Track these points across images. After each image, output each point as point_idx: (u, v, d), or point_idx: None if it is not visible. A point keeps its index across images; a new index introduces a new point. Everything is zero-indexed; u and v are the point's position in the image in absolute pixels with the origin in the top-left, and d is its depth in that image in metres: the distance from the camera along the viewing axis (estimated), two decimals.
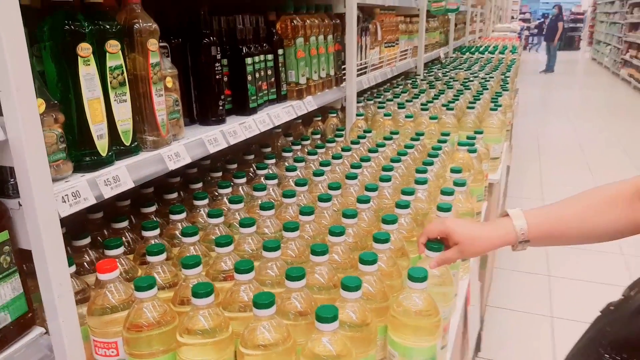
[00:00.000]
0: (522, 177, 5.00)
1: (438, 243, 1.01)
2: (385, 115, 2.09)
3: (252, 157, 1.63)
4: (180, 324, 0.82)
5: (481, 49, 5.53)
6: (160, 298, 0.85)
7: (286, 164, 1.59)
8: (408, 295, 0.89)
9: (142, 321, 0.82)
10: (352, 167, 1.48)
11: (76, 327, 0.80)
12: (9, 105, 0.71)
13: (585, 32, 20.13)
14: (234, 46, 1.45)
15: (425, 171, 1.45)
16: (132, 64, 1.04)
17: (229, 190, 1.30)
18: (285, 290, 0.85)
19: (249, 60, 1.46)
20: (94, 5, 0.95)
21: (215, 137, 1.25)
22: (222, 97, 1.37)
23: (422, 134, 1.87)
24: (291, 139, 1.87)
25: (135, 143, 1.05)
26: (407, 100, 2.42)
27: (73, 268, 0.91)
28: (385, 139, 1.83)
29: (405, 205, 1.19)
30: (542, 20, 14.01)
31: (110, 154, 0.96)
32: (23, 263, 0.79)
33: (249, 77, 1.47)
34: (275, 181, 1.40)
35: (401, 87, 2.98)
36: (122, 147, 1.00)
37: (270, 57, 1.61)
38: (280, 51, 1.68)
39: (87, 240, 1.01)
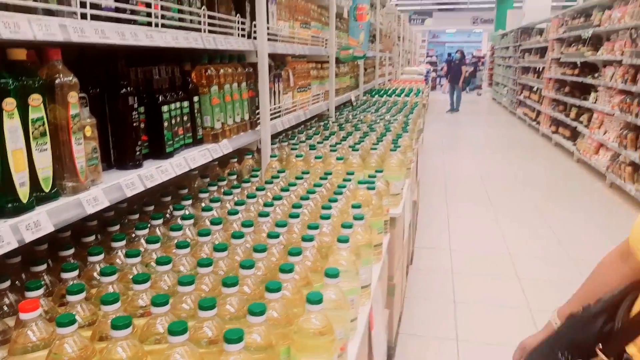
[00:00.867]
0: (430, 210, 5.37)
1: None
2: (297, 156, 2.25)
3: (169, 198, 1.71)
4: (101, 358, 0.89)
5: (389, 92, 5.95)
6: (80, 334, 0.91)
7: (203, 204, 1.69)
8: (307, 317, 1.02)
9: (63, 357, 0.88)
10: (265, 205, 1.61)
11: None
12: None
13: (485, 74, 21.96)
14: (150, 95, 1.56)
15: (329, 207, 1.61)
16: (53, 115, 1.11)
17: (145, 231, 1.37)
18: (198, 320, 0.95)
19: (165, 107, 1.57)
20: (17, 62, 1.03)
21: (132, 181, 1.33)
22: (139, 142, 1.46)
23: (330, 174, 2.05)
24: (208, 180, 1.97)
25: (55, 189, 1.11)
26: (318, 142, 2.60)
27: None
28: (297, 178, 1.98)
29: (310, 239, 1.33)
30: (446, 62, 15.13)
31: (31, 200, 1.02)
32: None
33: (165, 124, 1.58)
34: (191, 221, 1.49)
35: (314, 129, 3.18)
36: (42, 194, 1.07)
37: (186, 104, 1.73)
38: (195, 98, 1.81)
39: (7, 284, 1.05)
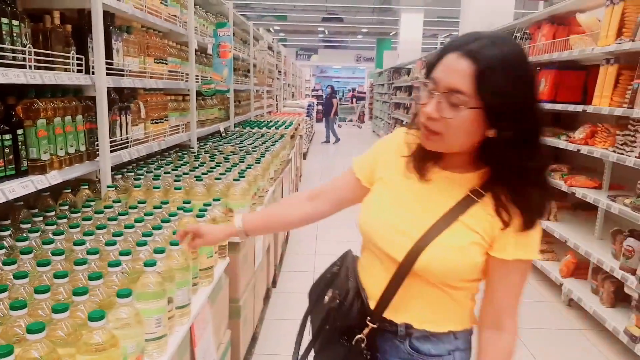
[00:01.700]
0: (302, 235, 5.61)
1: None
2: (135, 186, 2.33)
3: None
4: None
5: (263, 124, 6.19)
6: None
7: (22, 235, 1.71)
8: (89, 333, 1.12)
9: None
10: (85, 234, 1.68)
11: None
12: None
13: (366, 108, 23.35)
14: None
15: (150, 234, 1.72)
16: None
17: None
18: None
19: None
20: None
21: None
22: None
23: (167, 203, 2.16)
24: (36, 211, 1.98)
25: None
26: (165, 172, 2.70)
27: None
28: (130, 208, 2.06)
29: (117, 264, 1.43)
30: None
31: None
32: None
33: None
34: (3, 251, 1.52)
35: (168, 159, 3.26)
36: None
37: (7, 136, 1.76)
38: (20, 131, 1.83)
39: None
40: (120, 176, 2.58)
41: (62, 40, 2.17)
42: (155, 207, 2.08)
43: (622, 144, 3.42)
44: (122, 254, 1.52)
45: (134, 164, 3.04)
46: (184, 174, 2.69)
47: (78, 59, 2.22)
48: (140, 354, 1.29)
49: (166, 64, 3.40)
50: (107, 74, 2.38)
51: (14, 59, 1.80)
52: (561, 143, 4.23)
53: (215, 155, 3.49)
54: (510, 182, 1.12)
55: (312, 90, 25.14)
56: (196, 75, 4.01)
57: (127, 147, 2.73)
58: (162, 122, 3.33)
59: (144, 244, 1.63)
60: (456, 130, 1.09)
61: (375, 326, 1.24)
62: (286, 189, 4.82)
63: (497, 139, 1.08)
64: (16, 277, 1.30)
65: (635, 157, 3.22)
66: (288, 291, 4.20)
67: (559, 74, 4.49)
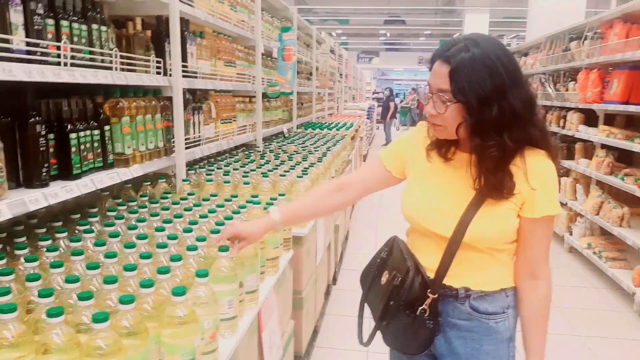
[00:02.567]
0: (362, 234, 5.66)
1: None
2: (207, 180, 2.48)
3: (77, 216, 1.89)
4: None
5: (325, 125, 6.30)
6: None
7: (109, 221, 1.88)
8: (172, 306, 1.23)
9: None
10: (164, 222, 1.82)
11: None
12: None
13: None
14: (60, 123, 1.76)
15: (222, 224, 1.84)
16: None
17: (48, 242, 1.56)
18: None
19: (73, 135, 1.77)
20: None
21: (35, 198, 1.52)
22: (46, 165, 1.65)
23: (236, 196, 2.28)
24: (120, 200, 2.16)
25: None
26: (234, 169, 2.84)
27: None
28: (203, 200, 2.20)
29: (193, 249, 1.55)
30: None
31: None
32: None
33: (73, 149, 1.78)
34: (93, 234, 1.69)
35: (236, 156, 3.42)
36: None
37: (96, 132, 1.94)
38: (107, 127, 2.02)
39: None
40: (193, 171, 2.75)
41: (143, 45, 2.35)
42: (226, 200, 2.21)
43: None
44: (198, 240, 1.65)
45: (205, 161, 3.22)
46: (251, 170, 2.83)
47: (157, 61, 2.40)
48: (215, 330, 1.40)
49: (235, 66, 3.57)
50: (183, 76, 2.55)
51: (102, 61, 1.98)
52: (635, 146, 4.03)
53: (280, 154, 3.61)
54: (515, 150, 1.32)
55: (373, 93, 25.10)
56: (262, 78, 4.17)
57: (199, 144, 2.90)
58: (231, 122, 3.50)
59: (217, 232, 1.75)
60: (451, 121, 1.32)
61: (435, 297, 1.39)
62: None
63: (480, 122, 1.28)
64: (107, 256, 1.45)
65: None
66: (348, 289, 4.26)
67: (632, 75, 4.27)
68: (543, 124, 1.40)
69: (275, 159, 3.36)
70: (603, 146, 4.73)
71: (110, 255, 1.45)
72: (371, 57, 29.50)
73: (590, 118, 5.15)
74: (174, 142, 2.52)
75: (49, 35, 1.67)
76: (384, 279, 1.49)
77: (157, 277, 1.35)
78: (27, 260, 1.38)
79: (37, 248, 1.60)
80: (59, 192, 1.64)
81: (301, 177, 2.75)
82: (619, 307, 4.06)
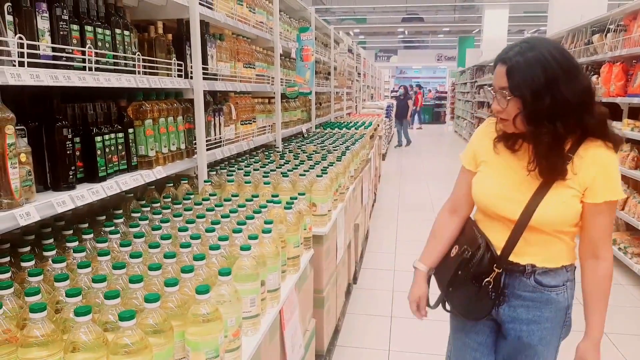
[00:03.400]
0: (382, 233, 5.65)
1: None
2: (228, 181, 2.51)
3: (103, 217, 1.93)
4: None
5: (344, 125, 6.30)
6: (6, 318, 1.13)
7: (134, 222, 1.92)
8: (196, 305, 1.26)
9: None
10: (187, 222, 1.85)
11: None
12: None
13: (448, 108, 22.82)
14: (85, 127, 1.80)
15: (244, 223, 1.86)
16: None
17: (75, 243, 1.60)
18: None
19: (98, 138, 1.82)
20: None
21: (63, 200, 1.56)
22: (73, 168, 1.70)
23: (257, 196, 2.31)
24: (143, 202, 2.20)
25: None
26: (254, 169, 2.87)
27: None
28: (225, 200, 2.23)
29: (216, 248, 1.58)
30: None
31: None
32: None
33: (99, 152, 1.82)
34: (118, 235, 1.73)
35: (256, 157, 3.45)
36: None
37: (120, 135, 1.98)
38: (130, 130, 2.06)
39: None
40: (214, 172, 2.78)
41: (164, 48, 2.39)
42: (247, 200, 2.23)
43: None
44: (220, 239, 1.67)
45: (226, 162, 3.25)
46: (272, 170, 2.85)
47: (178, 64, 2.44)
48: (238, 328, 1.42)
49: (254, 68, 3.60)
50: (203, 78, 2.59)
51: (126, 65, 2.02)
52: None
53: (299, 154, 3.63)
54: (567, 137, 1.48)
55: (392, 92, 24.99)
56: (281, 79, 4.20)
57: (220, 146, 2.93)
58: (251, 124, 3.53)
59: (239, 231, 1.78)
60: (512, 114, 1.49)
61: (499, 271, 1.59)
62: (365, 188, 4.88)
63: (534, 112, 1.45)
64: (132, 256, 1.48)
65: None
66: (369, 288, 4.26)
67: None
68: (602, 114, 1.51)
69: (294, 159, 3.38)
70: (628, 140, 4.64)
71: (135, 255, 1.48)
72: (389, 56, 29.39)
73: (614, 112, 5.05)
74: (195, 143, 2.55)
75: (74, 41, 1.71)
76: (454, 252, 1.72)
77: (181, 276, 1.38)
78: (54, 261, 1.42)
79: (65, 249, 1.64)
80: (86, 194, 1.68)
81: (320, 176, 2.76)
82: None
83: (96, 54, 1.80)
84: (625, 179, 4.76)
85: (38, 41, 1.54)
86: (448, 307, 1.79)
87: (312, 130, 5.61)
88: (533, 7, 16.09)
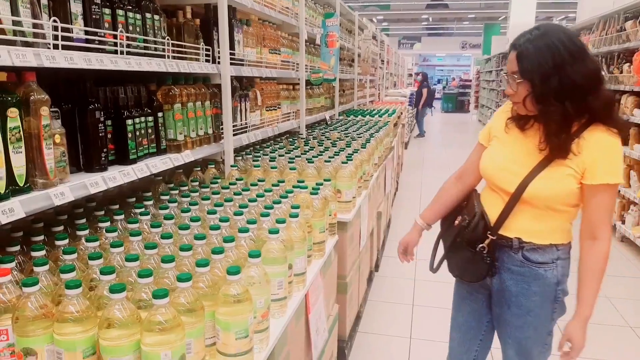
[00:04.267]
0: (404, 221, 5.63)
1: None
2: (254, 166, 2.52)
3: (133, 199, 1.97)
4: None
5: (367, 112, 6.27)
6: (40, 294, 1.16)
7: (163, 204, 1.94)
8: (227, 285, 1.27)
9: (27, 311, 1.13)
10: (215, 205, 1.87)
11: None
12: None
13: (472, 97, 22.47)
14: (117, 110, 1.83)
15: (271, 207, 1.87)
16: (27, 124, 1.38)
17: (107, 223, 1.63)
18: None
19: (129, 121, 1.84)
20: None
21: (96, 181, 1.59)
22: (105, 150, 1.73)
23: (283, 182, 2.31)
24: (172, 185, 2.23)
25: (28, 184, 1.37)
26: (279, 155, 2.88)
27: None
28: (251, 185, 2.25)
29: (245, 230, 1.59)
30: (435, 85, 14.91)
31: (7, 191, 1.28)
32: None
33: (130, 135, 1.84)
34: (148, 217, 1.75)
35: (281, 143, 3.46)
36: (17, 187, 1.32)
37: (150, 118, 2.00)
38: (160, 114, 2.08)
39: None
40: (240, 158, 2.80)
41: (193, 33, 2.40)
42: (273, 185, 2.24)
43: None
44: (249, 222, 1.68)
45: (251, 148, 3.27)
46: (297, 156, 2.85)
47: (205, 49, 2.45)
48: (267, 310, 1.44)
49: (279, 54, 3.59)
50: (230, 64, 2.59)
51: (155, 49, 2.03)
52: None
53: (323, 141, 3.63)
54: (575, 117, 1.55)
55: (416, 74, 24.68)
56: (305, 65, 4.18)
57: (246, 131, 2.95)
58: (275, 110, 3.53)
59: (267, 215, 1.79)
60: (522, 96, 1.58)
61: (494, 238, 1.70)
62: (388, 175, 4.86)
63: (543, 94, 1.54)
64: (163, 237, 1.51)
65: None
66: (390, 275, 4.26)
67: None
68: (608, 98, 1.58)
69: (319, 145, 3.37)
70: None
71: (166, 236, 1.50)
72: (413, 43, 29.02)
73: None
74: (222, 128, 2.57)
75: (106, 24, 1.73)
76: (457, 221, 1.82)
77: (211, 257, 1.40)
78: (88, 240, 1.45)
79: (97, 229, 1.68)
80: (117, 175, 1.71)
81: (346, 162, 2.76)
82: None
83: (127, 38, 1.82)
84: None
85: (71, 24, 1.56)
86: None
87: (335, 118, 5.59)
88: None
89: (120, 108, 1.84)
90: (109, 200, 2.00)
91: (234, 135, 2.69)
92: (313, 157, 2.84)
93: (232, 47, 2.68)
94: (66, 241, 1.47)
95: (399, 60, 17.12)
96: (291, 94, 3.96)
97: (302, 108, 4.11)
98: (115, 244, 1.41)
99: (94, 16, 1.66)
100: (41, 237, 1.51)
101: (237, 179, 2.34)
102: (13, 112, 1.30)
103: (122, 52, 1.77)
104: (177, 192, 2.12)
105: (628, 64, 5.25)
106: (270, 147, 3.27)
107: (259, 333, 1.40)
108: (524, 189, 1.62)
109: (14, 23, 1.33)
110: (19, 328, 1.13)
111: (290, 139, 3.76)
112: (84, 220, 1.68)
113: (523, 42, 1.57)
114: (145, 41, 1.95)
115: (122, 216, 1.74)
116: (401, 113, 7.78)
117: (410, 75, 20.72)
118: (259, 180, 2.32)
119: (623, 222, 5.12)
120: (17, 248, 1.42)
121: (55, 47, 1.47)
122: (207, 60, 2.46)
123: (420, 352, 3.09)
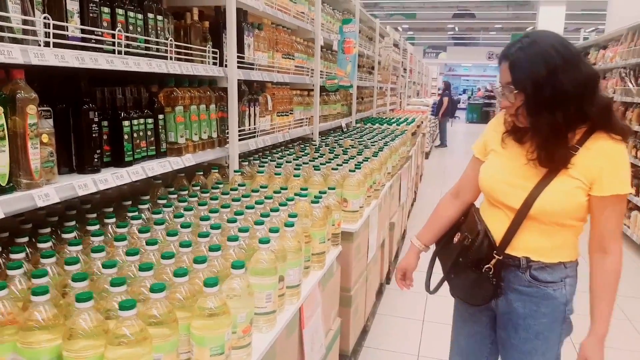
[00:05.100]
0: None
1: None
2: (258, 172, 2.46)
3: (129, 202, 1.92)
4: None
5: (386, 120, 6.17)
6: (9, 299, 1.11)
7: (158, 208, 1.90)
8: (203, 298, 1.21)
9: None
10: (211, 211, 1.81)
11: None
12: None
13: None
14: (113, 111, 1.79)
15: (267, 215, 1.81)
16: (13, 123, 1.34)
17: (95, 227, 1.59)
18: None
19: (126, 122, 1.80)
20: None
21: (85, 183, 1.55)
22: (98, 151, 1.69)
23: (285, 189, 2.25)
24: (171, 189, 2.18)
25: (11, 184, 1.33)
26: (287, 161, 2.82)
27: None
28: (253, 191, 2.19)
29: (235, 239, 1.52)
30: (460, 95, 14.64)
31: None
32: None
33: (126, 137, 1.80)
34: (140, 221, 1.70)
35: (291, 150, 3.40)
36: None
37: (149, 120, 1.96)
38: (160, 116, 2.04)
39: None
40: (247, 163, 2.75)
41: (200, 35, 2.36)
42: (275, 192, 2.17)
43: None
44: (240, 230, 1.62)
45: (260, 153, 3.22)
46: (304, 163, 2.79)
47: (213, 52, 2.41)
48: (249, 324, 1.36)
49: (293, 59, 3.54)
50: (238, 67, 2.55)
51: (158, 50, 2.00)
52: None
53: (335, 148, 3.55)
54: (568, 128, 1.49)
55: (439, 89, 24.48)
56: (321, 71, 4.12)
57: (254, 136, 2.89)
58: (287, 115, 3.48)
59: (261, 223, 1.72)
60: (520, 109, 1.51)
61: (500, 258, 1.60)
62: (404, 186, 4.75)
63: (535, 105, 1.48)
64: (148, 243, 1.45)
65: None
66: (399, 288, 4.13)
67: None
68: (604, 103, 1.51)
69: (330, 152, 3.30)
70: None
71: (151, 242, 1.44)
72: (438, 52, 28.75)
73: None
74: (228, 133, 2.52)
75: (104, 23, 1.70)
76: (456, 239, 1.74)
77: (193, 267, 1.34)
78: (71, 244, 1.40)
79: (86, 232, 1.63)
80: (109, 178, 1.67)
81: (353, 171, 2.68)
82: None
83: (127, 38, 1.78)
84: None
85: (67, 22, 1.53)
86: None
87: (352, 125, 5.51)
88: (592, 5, 15.32)
89: (117, 109, 1.80)
90: (106, 203, 1.96)
91: (241, 140, 2.64)
92: (321, 164, 2.77)
93: (241, 50, 2.64)
94: (49, 244, 1.42)
95: (423, 69, 16.97)
96: (305, 100, 3.90)
97: (316, 115, 4.04)
98: (96, 249, 1.36)
99: (91, 14, 1.63)
100: (25, 239, 1.47)
101: (239, 185, 2.28)
102: None
103: (120, 52, 1.73)
104: (175, 196, 2.07)
105: None
106: (280, 153, 3.21)
107: (239, 349, 1.33)
108: (531, 204, 1.54)
109: (2, 19, 1.30)
110: None
111: (302, 146, 3.70)
112: (73, 223, 1.64)
113: (514, 51, 1.50)
114: (146, 42, 1.91)
115: (113, 220, 1.69)
116: (421, 122, 7.66)
117: (435, 85, 20.52)
118: (261, 187, 2.26)
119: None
120: None
121: (47, 44, 1.43)
122: (214, 63, 2.42)
123: None
